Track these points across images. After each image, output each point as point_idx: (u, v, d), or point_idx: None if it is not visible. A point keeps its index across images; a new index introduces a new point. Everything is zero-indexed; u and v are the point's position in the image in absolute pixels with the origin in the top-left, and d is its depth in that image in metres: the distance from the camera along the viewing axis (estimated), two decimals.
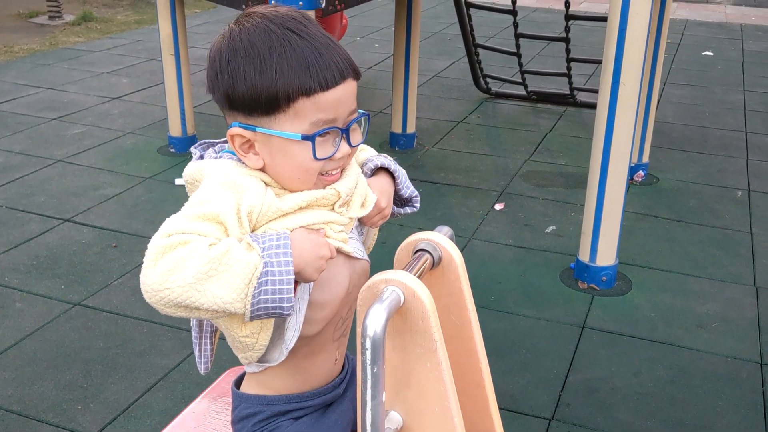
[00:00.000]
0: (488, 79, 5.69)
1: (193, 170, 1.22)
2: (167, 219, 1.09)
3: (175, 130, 4.45)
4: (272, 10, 1.18)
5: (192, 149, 1.28)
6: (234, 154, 1.21)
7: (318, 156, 1.15)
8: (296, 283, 1.13)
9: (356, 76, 1.19)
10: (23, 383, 2.48)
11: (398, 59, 4.46)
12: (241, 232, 1.11)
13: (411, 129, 4.63)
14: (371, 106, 5.42)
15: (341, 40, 6.70)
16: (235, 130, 1.17)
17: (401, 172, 1.38)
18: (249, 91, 1.12)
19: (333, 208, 1.22)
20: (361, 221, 1.32)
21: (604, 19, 2.87)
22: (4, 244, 3.37)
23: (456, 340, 1.14)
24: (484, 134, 5.00)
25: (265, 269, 1.05)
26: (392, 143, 4.65)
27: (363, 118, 1.24)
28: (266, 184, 1.19)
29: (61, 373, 2.54)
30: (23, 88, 5.67)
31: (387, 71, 5.84)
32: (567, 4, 4.75)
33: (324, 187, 1.20)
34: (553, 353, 2.72)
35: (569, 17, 4.74)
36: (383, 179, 1.35)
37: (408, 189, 1.38)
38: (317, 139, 1.15)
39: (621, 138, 2.91)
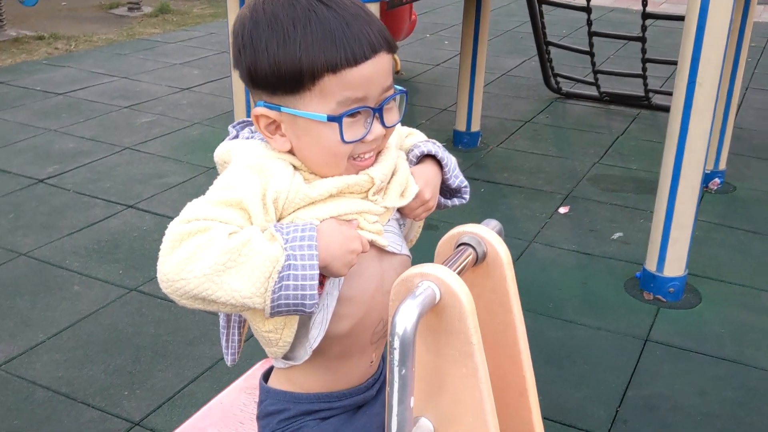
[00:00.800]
0: (559, 79, 5.53)
1: (222, 151, 1.16)
2: (189, 203, 1.04)
3: None
4: None
5: (229, 127, 1.22)
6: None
7: (346, 139, 1.07)
8: (323, 277, 1.06)
9: (390, 49, 1.10)
10: (74, 366, 2.50)
11: (465, 57, 4.37)
12: (266, 219, 1.04)
13: (475, 127, 4.53)
14: (436, 103, 5.34)
15: (410, 36, 6.65)
16: (259, 110, 1.10)
17: (450, 160, 1.28)
18: (271, 67, 1.05)
19: (367, 196, 1.14)
20: (402, 212, 1.23)
21: (683, 18, 2.71)
22: (68, 227, 3.43)
23: (499, 343, 1.06)
24: (551, 135, 4.85)
25: (287, 262, 0.98)
26: (456, 141, 4.56)
27: (399, 96, 1.14)
28: (296, 168, 1.12)
29: (111, 358, 2.55)
30: (99, 76, 5.80)
31: (455, 69, 5.72)
32: (644, 3, 4.56)
33: (356, 173, 1.13)
34: (613, 366, 2.59)
35: (646, 16, 4.56)
36: (429, 167, 1.26)
37: (457, 179, 1.29)
38: (345, 119, 1.07)
39: (695, 142, 2.76)
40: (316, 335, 1.12)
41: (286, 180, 1.08)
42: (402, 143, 1.30)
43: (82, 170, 4.06)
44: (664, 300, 2.96)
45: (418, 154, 1.26)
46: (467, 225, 1.04)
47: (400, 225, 1.25)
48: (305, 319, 1.12)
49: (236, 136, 1.19)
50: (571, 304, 2.96)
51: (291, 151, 1.13)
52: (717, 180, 4.01)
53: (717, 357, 2.65)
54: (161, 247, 0.98)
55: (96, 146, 4.41)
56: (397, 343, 0.85)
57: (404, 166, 1.21)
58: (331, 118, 1.06)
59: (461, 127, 4.53)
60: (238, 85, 4.39)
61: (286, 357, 1.17)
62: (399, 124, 1.33)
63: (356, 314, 1.15)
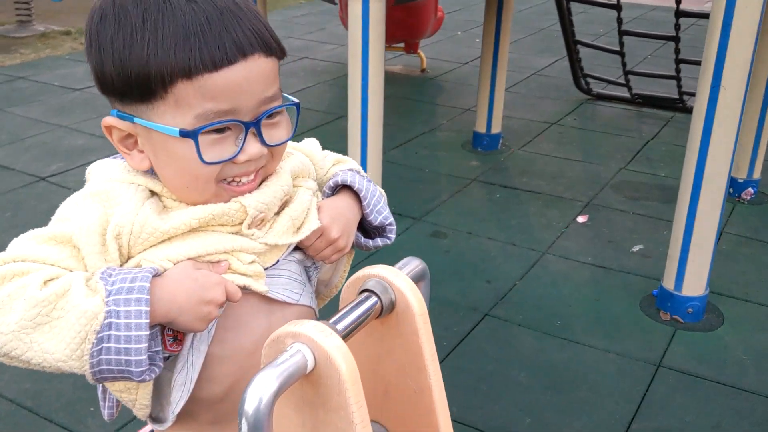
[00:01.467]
0: (589, 80, 5.28)
1: (87, 170, 1.01)
2: (15, 239, 0.88)
3: None
4: None
5: None
6: None
7: (207, 159, 0.89)
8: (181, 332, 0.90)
9: (268, 51, 0.90)
10: (42, 378, 2.39)
11: (486, 56, 4.16)
12: (106, 260, 0.87)
13: (496, 129, 4.31)
14: (460, 103, 5.14)
15: (439, 34, 6.45)
16: (109, 119, 0.93)
17: (372, 192, 1.09)
18: (117, 69, 0.88)
19: (241, 230, 0.96)
20: (308, 253, 1.05)
21: None
22: None
23: (413, 411, 0.88)
24: (578, 138, 4.61)
25: (107, 320, 0.80)
26: (475, 143, 4.35)
27: (286, 110, 0.95)
28: (155, 194, 0.94)
29: None
30: None
31: None
32: (678, 0, 4.29)
33: (228, 200, 0.95)
34: (620, 393, 2.38)
35: (680, 14, 4.28)
36: (343, 200, 1.07)
37: (380, 215, 1.09)
38: (206, 136, 0.88)
39: (719, 150, 2.52)
40: (178, 398, 0.95)
41: (131, 210, 0.90)
42: (325, 172, 1.13)
43: (86, 168, 3.97)
44: (682, 321, 2.73)
45: (332, 185, 1.07)
46: (377, 267, 0.87)
47: (307, 268, 1.07)
48: (166, 379, 0.95)
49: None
50: (580, 323, 2.75)
51: (154, 171, 0.95)
52: (750, 190, 3.73)
53: (736, 387, 2.42)
54: None
55: (104, 144, 4.32)
56: (244, 426, 0.68)
57: (304, 196, 1.02)
58: (184, 134, 0.88)
59: (481, 128, 4.32)
60: None
61: (156, 418, 1.01)
62: (320, 147, 1.15)
63: (232, 376, 0.97)
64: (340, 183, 1.07)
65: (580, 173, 4.07)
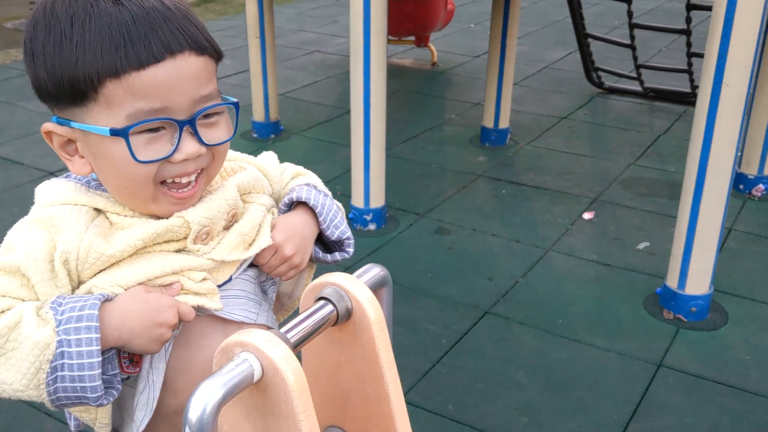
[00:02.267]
0: (601, 73, 5.23)
1: (36, 190, 1.01)
2: None
3: (258, 114, 4.34)
4: None
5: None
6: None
7: (140, 158, 0.89)
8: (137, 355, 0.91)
9: (200, 50, 0.90)
10: None
11: (493, 49, 4.13)
12: (56, 286, 0.88)
13: (504, 124, 4.29)
14: (469, 97, 5.11)
15: (451, 26, 6.41)
16: (47, 125, 0.94)
17: (327, 208, 1.08)
18: (50, 74, 0.89)
19: (185, 246, 0.95)
20: (263, 270, 1.04)
21: None
22: None
23: (374, 417, 0.88)
24: (587, 133, 4.57)
25: (59, 350, 0.82)
26: (483, 139, 4.33)
27: (226, 108, 0.95)
28: (101, 211, 0.94)
29: None
30: None
31: None
32: None
33: (173, 206, 0.94)
34: (618, 394, 2.36)
35: (691, 7, 4.23)
36: (298, 216, 1.06)
37: (337, 230, 1.09)
38: (138, 135, 0.89)
39: (722, 147, 2.49)
40: (141, 417, 0.95)
41: (77, 233, 0.90)
42: (283, 186, 1.12)
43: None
44: (685, 320, 2.71)
45: (287, 201, 1.07)
46: (334, 274, 0.86)
47: (263, 284, 1.06)
48: (128, 395, 0.96)
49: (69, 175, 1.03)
50: (581, 322, 2.73)
51: (96, 177, 0.96)
52: (761, 186, 3.68)
53: (737, 387, 2.39)
54: None
55: None
56: None
57: (255, 212, 1.02)
58: (114, 132, 0.88)
59: (489, 123, 4.30)
60: (256, 77, 4.27)
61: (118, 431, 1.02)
62: (277, 162, 1.14)
63: (192, 382, 0.98)
64: (295, 199, 1.07)
65: (588, 169, 4.04)
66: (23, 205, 3.42)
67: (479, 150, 4.26)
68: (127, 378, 0.95)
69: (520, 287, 2.93)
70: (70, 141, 0.94)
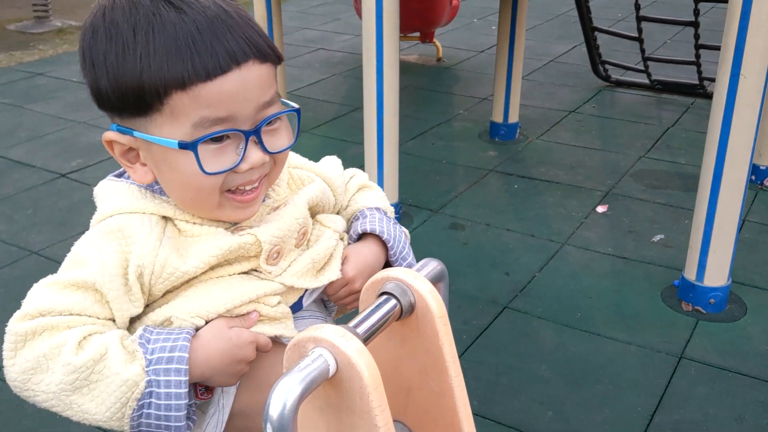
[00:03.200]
0: (608, 66, 5.23)
1: (95, 191, 1.00)
2: (35, 285, 0.89)
3: None
4: None
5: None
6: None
7: (208, 169, 0.89)
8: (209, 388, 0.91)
9: (263, 57, 0.90)
10: None
11: (502, 43, 4.13)
12: (130, 300, 0.88)
13: (513, 119, 4.29)
14: (477, 93, 5.11)
15: (455, 22, 6.41)
16: (109, 134, 0.94)
17: (397, 239, 1.08)
18: (113, 84, 0.88)
19: (258, 264, 0.96)
20: (326, 292, 1.04)
21: None
22: (83, 225, 3.27)
23: (435, 411, 0.88)
24: (597, 126, 4.58)
25: (148, 389, 0.83)
26: (492, 134, 4.33)
27: (286, 116, 0.94)
28: (168, 219, 0.94)
29: None
30: None
31: None
32: None
33: (238, 212, 0.94)
34: (641, 386, 2.37)
35: None
36: (369, 248, 1.06)
37: (404, 262, 1.09)
38: (204, 146, 0.88)
39: (739, 139, 2.49)
40: None
41: (152, 248, 0.90)
42: (347, 199, 1.11)
43: (105, 164, 3.99)
44: (704, 312, 2.71)
45: (360, 231, 1.07)
46: (394, 269, 0.86)
47: (325, 302, 1.07)
48: (198, 421, 0.96)
49: (122, 173, 1.02)
50: (601, 315, 2.73)
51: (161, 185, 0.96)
52: None
53: (760, 378, 2.40)
54: (3, 346, 0.85)
55: None
56: (269, 431, 0.68)
57: (329, 241, 1.01)
58: (183, 145, 0.87)
59: (498, 118, 4.30)
60: None
61: None
62: (341, 169, 1.14)
63: (261, 407, 0.99)
64: (368, 230, 1.07)
65: (599, 162, 4.04)
66: (37, 207, 3.42)
67: (489, 145, 4.26)
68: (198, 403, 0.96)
69: (537, 281, 2.93)
70: (132, 149, 0.94)
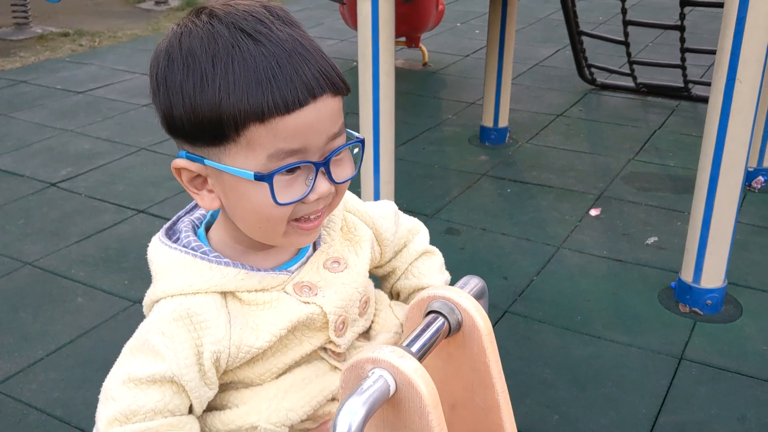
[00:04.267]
0: (593, 69, 5.28)
1: (149, 256, 1.00)
2: (109, 381, 0.92)
3: None
4: (226, 5, 0.92)
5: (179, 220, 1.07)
6: (202, 234, 1.01)
7: (280, 200, 0.89)
8: None
9: (336, 90, 0.91)
10: (71, 386, 2.40)
11: (492, 48, 4.16)
12: (205, 385, 0.91)
13: (503, 123, 4.31)
14: (464, 97, 5.13)
15: (439, 26, 6.43)
16: (180, 162, 0.93)
17: None
18: (188, 113, 0.88)
19: (326, 328, 0.99)
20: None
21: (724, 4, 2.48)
22: (77, 234, 3.33)
23: (481, 427, 0.89)
24: (585, 129, 4.62)
25: None
26: (482, 138, 4.35)
27: (350, 147, 0.96)
28: (227, 294, 0.95)
29: None
30: (120, 73, 5.71)
31: (484, 60, 5.54)
32: None
33: (301, 238, 0.96)
34: (644, 388, 2.39)
35: (684, 3, 4.28)
36: None
37: None
38: (278, 177, 0.89)
39: (735, 142, 2.53)
40: None
41: (225, 332, 0.92)
42: (399, 255, 1.15)
43: (96, 173, 3.96)
44: (702, 313, 2.75)
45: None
46: (439, 288, 0.87)
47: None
48: None
49: (172, 233, 1.03)
50: (600, 318, 2.76)
51: (221, 209, 0.97)
52: (761, 178, 3.74)
53: (759, 378, 2.43)
54: None
55: (111, 147, 4.31)
56: None
57: (393, 333, 1.07)
58: (258, 177, 0.88)
59: (488, 122, 4.32)
60: None
61: None
62: (392, 220, 1.15)
63: None
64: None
65: (589, 165, 4.08)
66: (28, 217, 3.38)
67: (480, 149, 4.28)
68: None
69: (535, 285, 2.95)
70: (199, 176, 0.94)
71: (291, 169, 0.90)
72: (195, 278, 0.94)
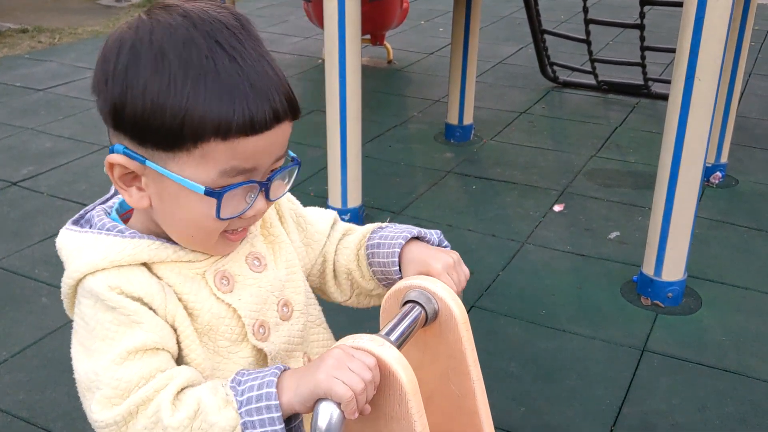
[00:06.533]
0: (555, 67, 5.35)
1: (58, 246, 0.99)
2: (93, 368, 0.90)
3: None
4: (200, 7, 0.89)
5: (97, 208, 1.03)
6: (116, 217, 0.99)
7: (223, 216, 0.90)
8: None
9: (294, 116, 0.92)
10: (36, 387, 2.37)
11: (456, 46, 4.19)
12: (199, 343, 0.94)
13: (468, 120, 4.36)
14: (429, 94, 5.17)
15: (403, 24, 6.46)
16: (116, 157, 0.90)
17: (424, 231, 1.10)
18: (146, 113, 0.85)
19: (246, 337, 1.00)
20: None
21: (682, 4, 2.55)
22: (40, 234, 3.29)
23: (456, 414, 0.91)
24: (547, 127, 4.68)
25: (246, 431, 0.83)
26: (447, 135, 4.39)
27: (290, 169, 0.97)
28: (147, 267, 0.95)
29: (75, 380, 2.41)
30: (81, 70, 5.63)
31: (449, 58, 5.58)
32: None
33: (224, 251, 0.98)
34: (607, 380, 2.45)
35: (644, 2, 4.37)
36: (416, 245, 1.06)
37: (443, 243, 1.11)
38: (226, 194, 0.90)
39: (695, 138, 2.59)
40: None
41: (161, 298, 0.94)
42: (327, 244, 1.15)
43: (58, 171, 3.91)
44: (663, 305, 2.81)
45: (402, 242, 1.04)
46: (416, 278, 0.89)
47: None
48: None
49: (84, 222, 1.00)
50: (564, 311, 2.81)
51: (148, 208, 0.96)
52: (718, 174, 3.84)
53: (718, 368, 2.50)
54: None
55: (73, 145, 4.26)
56: None
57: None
58: (209, 193, 0.88)
59: (453, 120, 4.36)
60: None
61: None
62: (328, 229, 1.16)
63: None
64: (409, 236, 1.05)
65: (552, 162, 4.14)
66: None
67: (445, 146, 4.32)
68: None
69: (501, 280, 3.00)
70: (132, 173, 0.92)
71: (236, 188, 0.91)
72: (108, 251, 0.92)
